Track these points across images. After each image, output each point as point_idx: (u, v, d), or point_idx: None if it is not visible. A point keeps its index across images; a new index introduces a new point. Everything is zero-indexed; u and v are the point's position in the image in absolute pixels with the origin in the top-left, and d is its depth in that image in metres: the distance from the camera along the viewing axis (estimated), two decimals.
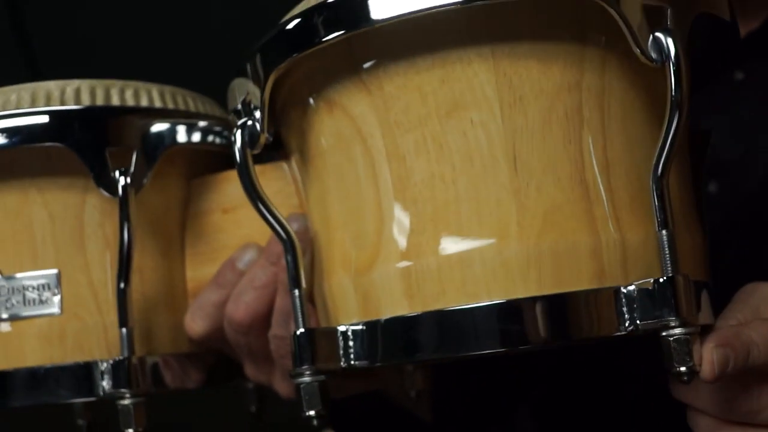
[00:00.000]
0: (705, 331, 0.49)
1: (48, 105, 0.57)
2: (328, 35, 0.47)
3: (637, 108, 0.49)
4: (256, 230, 0.60)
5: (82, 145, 0.56)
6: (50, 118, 0.57)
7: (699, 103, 0.71)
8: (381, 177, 0.49)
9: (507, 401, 0.76)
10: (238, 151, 0.52)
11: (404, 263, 0.48)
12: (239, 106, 0.54)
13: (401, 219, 0.48)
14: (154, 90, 0.61)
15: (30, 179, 0.58)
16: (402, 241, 0.48)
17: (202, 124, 0.61)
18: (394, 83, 0.48)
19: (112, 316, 0.57)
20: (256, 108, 0.52)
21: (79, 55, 1.25)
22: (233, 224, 0.62)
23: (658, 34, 0.46)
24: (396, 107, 0.49)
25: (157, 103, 0.60)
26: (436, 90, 0.48)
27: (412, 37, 0.48)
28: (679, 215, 0.49)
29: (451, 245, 0.47)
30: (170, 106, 0.60)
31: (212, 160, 0.63)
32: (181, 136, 0.60)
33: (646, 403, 0.69)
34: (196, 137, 0.61)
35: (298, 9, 0.51)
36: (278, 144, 0.57)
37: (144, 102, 0.59)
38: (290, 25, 0.49)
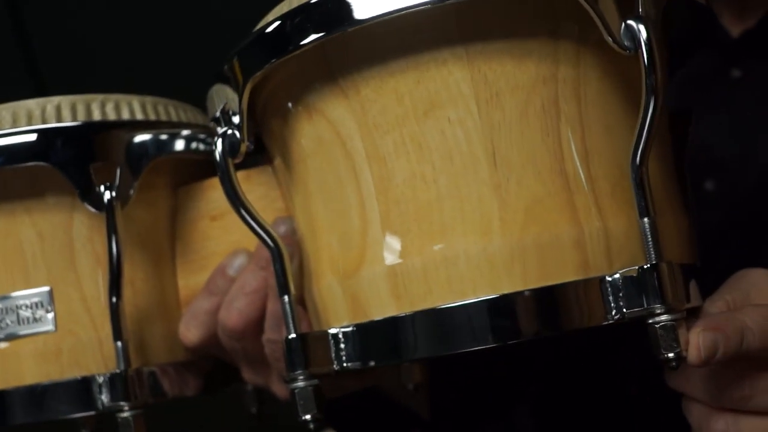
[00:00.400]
0: (694, 314, 0.49)
1: (29, 124, 0.58)
2: (302, 41, 0.48)
3: (614, 96, 0.49)
4: (245, 236, 0.60)
5: (66, 163, 0.56)
6: (32, 137, 0.57)
7: (696, 101, 0.71)
8: (363, 179, 0.49)
9: (504, 398, 0.77)
10: (220, 160, 0.52)
11: (390, 264, 0.48)
12: (219, 114, 0.54)
13: (385, 220, 0.49)
14: (135, 102, 0.61)
15: (16, 199, 0.59)
16: (387, 242, 0.48)
17: (184, 132, 0.61)
18: (370, 86, 0.49)
19: (107, 330, 0.57)
20: (235, 115, 0.52)
21: (78, 56, 1.25)
22: (222, 231, 0.62)
23: (630, 22, 0.46)
24: (373, 110, 0.49)
25: (139, 115, 0.60)
26: (411, 90, 0.48)
27: (386, 40, 0.48)
28: (662, 199, 0.49)
29: (435, 244, 0.47)
30: (152, 117, 0.60)
31: (197, 167, 0.63)
32: (165, 146, 0.60)
33: (643, 399, 0.70)
34: (180, 146, 0.61)
35: (271, 16, 0.52)
36: (261, 148, 0.57)
37: (125, 115, 0.60)
38: (265, 32, 0.49)
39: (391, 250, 0.48)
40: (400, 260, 0.48)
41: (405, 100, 0.48)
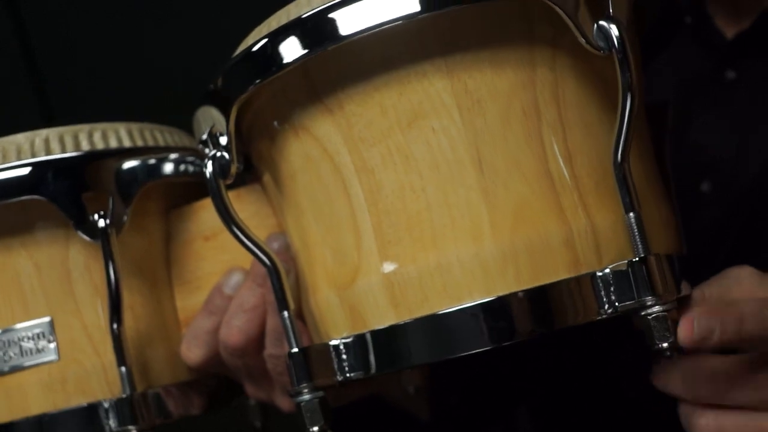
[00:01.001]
0: (683, 302, 0.51)
1: (19, 158, 0.58)
2: (284, 61, 0.48)
3: (591, 96, 0.50)
4: (240, 254, 0.61)
5: (59, 195, 0.57)
6: (24, 171, 0.57)
7: (691, 102, 0.73)
8: (352, 192, 0.50)
9: (505, 401, 0.78)
10: (211, 182, 0.53)
11: (386, 274, 0.49)
12: (206, 137, 0.55)
13: (377, 231, 0.50)
14: (122, 129, 0.61)
15: (10, 232, 0.59)
16: (381, 253, 0.50)
17: (173, 156, 0.62)
18: (353, 101, 0.50)
19: (110, 356, 0.58)
20: (222, 136, 0.53)
21: (80, 56, 1.25)
22: (216, 251, 0.63)
23: (602, 23, 0.48)
24: (359, 124, 0.50)
25: (126, 142, 0.61)
26: (395, 103, 0.49)
27: (367, 56, 0.49)
28: (645, 192, 0.51)
29: (428, 252, 0.48)
30: (139, 143, 0.61)
31: (187, 190, 0.64)
32: (154, 171, 0.61)
33: (642, 400, 0.71)
34: (169, 170, 0.62)
35: (252, 38, 0.53)
36: (249, 167, 0.58)
37: (113, 143, 0.60)
38: (247, 53, 0.50)
39: (386, 260, 0.49)
40: (395, 270, 0.49)
41: (389, 113, 0.49)
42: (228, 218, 0.53)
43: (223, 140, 0.53)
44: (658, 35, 0.73)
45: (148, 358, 0.61)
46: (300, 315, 0.56)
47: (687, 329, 0.46)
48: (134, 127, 0.62)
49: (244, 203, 0.61)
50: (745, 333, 0.47)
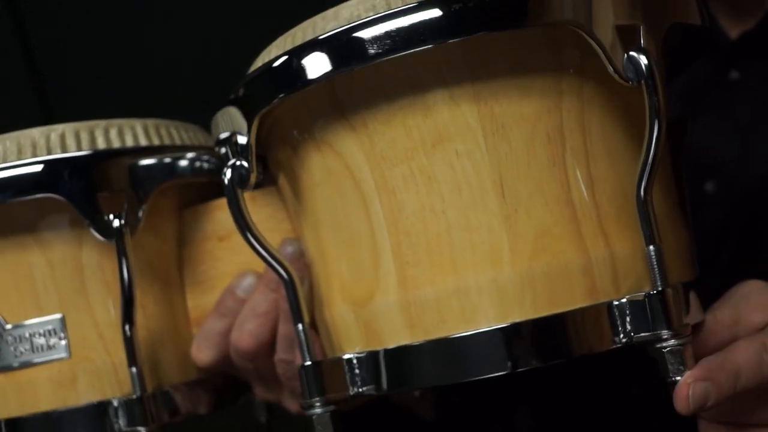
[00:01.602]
0: (696, 328, 0.51)
1: (35, 154, 0.58)
2: (310, 77, 0.48)
3: (617, 124, 0.50)
4: (253, 256, 0.61)
5: (74, 193, 0.57)
6: (40, 169, 0.57)
7: (695, 103, 0.72)
8: (372, 211, 0.50)
9: (507, 400, 0.78)
10: (229, 191, 0.52)
11: (403, 295, 0.49)
12: (223, 137, 0.55)
13: (396, 251, 0.50)
14: (138, 126, 0.61)
15: (25, 229, 0.59)
16: (399, 273, 0.50)
17: (189, 155, 0.62)
18: (377, 119, 0.49)
19: (120, 355, 0.58)
20: (241, 145, 0.53)
21: (80, 56, 1.24)
22: (229, 251, 0.63)
23: (633, 53, 0.47)
24: (381, 142, 0.50)
25: (142, 140, 0.60)
26: (419, 124, 0.49)
27: (394, 76, 0.48)
28: (664, 221, 0.51)
29: (446, 276, 0.49)
30: (155, 141, 0.61)
31: (202, 189, 0.64)
32: (170, 170, 0.60)
33: (645, 401, 0.72)
34: (185, 170, 0.61)
35: (276, 48, 0.52)
36: (265, 170, 0.58)
37: (129, 140, 0.60)
38: (272, 66, 0.50)
39: (404, 281, 0.49)
40: (412, 292, 0.49)
41: (413, 134, 0.49)
42: (245, 227, 0.53)
43: (242, 144, 0.53)
44: (680, 54, 0.72)
45: (158, 357, 0.61)
46: (313, 323, 0.56)
47: (682, 398, 0.46)
48: (150, 123, 0.62)
49: (258, 206, 0.61)
50: (741, 387, 0.47)
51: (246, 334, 0.59)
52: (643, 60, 0.47)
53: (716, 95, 0.73)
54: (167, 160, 0.61)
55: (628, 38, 0.48)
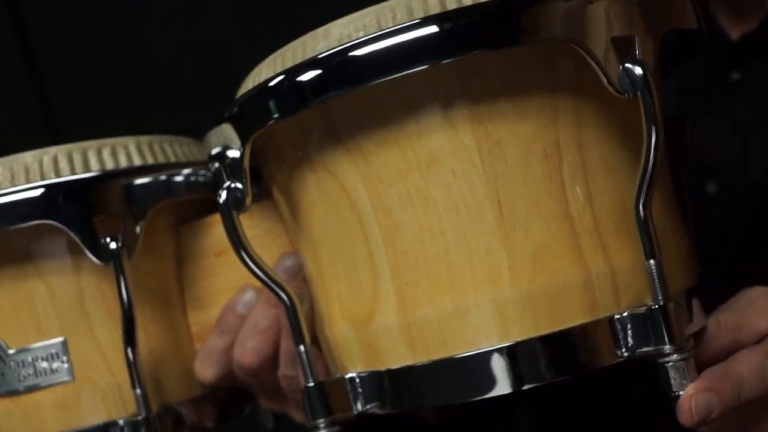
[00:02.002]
0: (698, 335, 0.51)
1: (28, 179, 0.57)
2: (305, 100, 0.47)
3: (614, 137, 0.49)
4: None
5: (70, 219, 0.56)
6: (34, 195, 0.57)
7: (696, 104, 0.72)
8: (370, 231, 0.50)
9: (508, 401, 0.78)
10: (224, 214, 0.52)
11: (403, 316, 0.49)
12: (216, 152, 0.54)
13: (395, 272, 0.49)
14: (131, 144, 0.60)
15: (22, 255, 0.59)
16: (398, 294, 0.49)
17: (185, 172, 0.61)
18: (371, 141, 0.49)
19: (124, 375, 0.58)
20: (235, 164, 0.52)
21: (80, 56, 1.24)
22: (228, 266, 0.63)
23: (628, 65, 0.47)
24: (376, 164, 0.49)
25: (136, 159, 0.60)
26: (414, 144, 0.48)
27: (386, 97, 0.48)
28: (664, 225, 0.50)
29: (446, 296, 0.48)
30: (149, 160, 0.60)
31: (198, 205, 0.63)
32: (166, 189, 0.60)
33: (646, 401, 0.72)
34: (181, 187, 0.61)
35: (266, 68, 0.51)
36: (262, 185, 0.58)
37: (123, 160, 0.59)
38: (266, 87, 0.49)
39: (404, 302, 0.49)
40: (412, 312, 0.49)
41: (408, 155, 0.49)
42: (242, 250, 0.52)
43: (236, 164, 0.52)
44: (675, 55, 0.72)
45: (162, 375, 0.61)
46: (315, 339, 0.56)
47: (686, 411, 0.46)
48: (143, 141, 0.61)
49: (255, 220, 0.61)
50: (745, 397, 0.47)
51: (248, 350, 0.59)
52: (639, 71, 0.46)
53: (716, 96, 0.72)
54: (162, 177, 0.60)
55: (623, 50, 0.47)
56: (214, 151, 0.54)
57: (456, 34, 0.45)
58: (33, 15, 1.23)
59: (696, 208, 0.62)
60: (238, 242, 0.52)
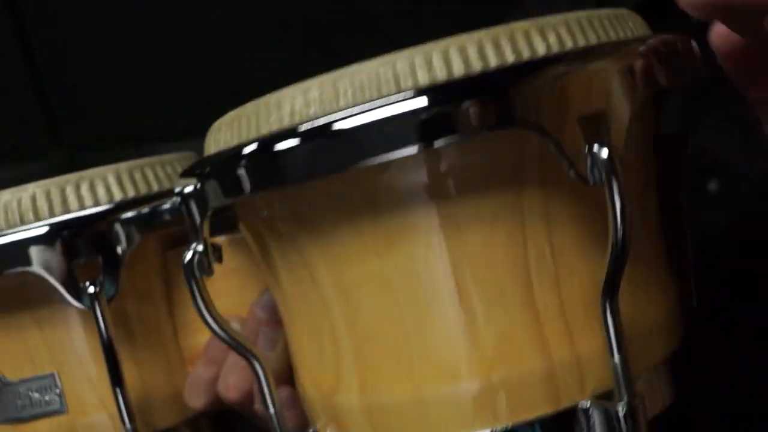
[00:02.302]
0: None
1: (7, 221, 0.58)
2: (258, 186, 0.45)
3: (582, 218, 0.46)
4: (237, 301, 0.61)
5: (49, 266, 0.57)
6: (14, 239, 0.57)
7: (697, 103, 0.67)
8: (332, 310, 0.49)
9: None
10: (189, 280, 0.51)
11: (364, 398, 0.49)
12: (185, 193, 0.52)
13: (357, 354, 0.48)
14: (110, 176, 0.59)
15: (9, 293, 0.59)
16: (359, 376, 0.48)
17: (169, 202, 0.60)
18: (328, 220, 0.47)
19: (116, 408, 0.60)
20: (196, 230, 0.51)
21: (80, 56, 1.22)
22: (215, 293, 0.62)
23: (594, 150, 0.43)
24: (334, 243, 0.47)
25: (117, 193, 0.59)
26: (371, 227, 0.46)
27: (343, 180, 0.45)
28: (648, 279, 0.48)
29: (404, 385, 0.47)
30: (130, 193, 0.60)
31: (184, 232, 0.62)
32: (149, 223, 0.59)
33: None
34: (166, 219, 0.59)
35: (227, 132, 0.49)
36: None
37: (102, 194, 0.59)
38: (216, 168, 0.47)
39: (364, 386, 0.48)
40: (373, 396, 0.48)
41: (365, 237, 0.46)
42: (208, 316, 0.52)
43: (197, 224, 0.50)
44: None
45: (153, 402, 0.62)
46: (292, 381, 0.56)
47: None
48: (123, 170, 0.60)
49: (235, 251, 0.60)
50: None
51: (231, 386, 0.60)
52: (604, 154, 0.43)
53: (716, 95, 0.67)
54: (145, 210, 0.59)
55: (591, 132, 0.43)
56: (187, 190, 0.52)
57: (415, 121, 0.42)
58: (33, 15, 1.21)
59: (696, 207, 0.59)
60: (204, 309, 0.51)
